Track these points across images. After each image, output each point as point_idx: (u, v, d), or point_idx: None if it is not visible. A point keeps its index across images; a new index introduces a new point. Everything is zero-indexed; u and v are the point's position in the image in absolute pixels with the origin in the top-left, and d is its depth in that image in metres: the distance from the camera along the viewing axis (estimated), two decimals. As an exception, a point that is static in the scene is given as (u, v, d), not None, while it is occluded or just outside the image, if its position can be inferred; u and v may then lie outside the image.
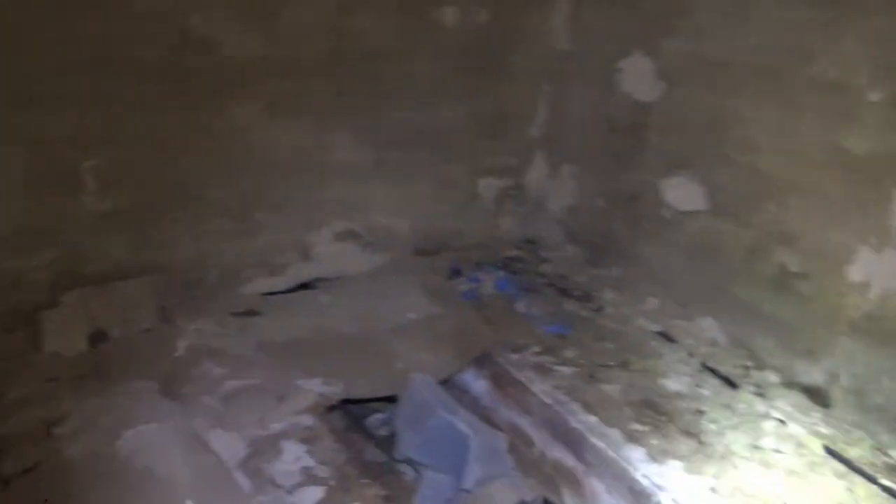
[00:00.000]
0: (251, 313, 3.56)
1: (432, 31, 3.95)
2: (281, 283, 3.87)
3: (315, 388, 3.04)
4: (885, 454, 3.00)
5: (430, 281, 4.00)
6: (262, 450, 2.74)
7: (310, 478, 2.65)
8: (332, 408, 3.10)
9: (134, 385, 2.90)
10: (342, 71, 3.73)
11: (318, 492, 2.59)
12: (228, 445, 2.71)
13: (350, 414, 3.38)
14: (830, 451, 2.99)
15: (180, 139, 3.39)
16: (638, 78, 3.94)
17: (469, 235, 4.45)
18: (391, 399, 3.30)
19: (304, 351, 3.27)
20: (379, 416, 3.47)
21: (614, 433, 2.95)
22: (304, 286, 3.91)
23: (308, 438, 2.82)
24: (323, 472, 2.69)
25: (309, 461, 2.73)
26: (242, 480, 2.59)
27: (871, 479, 2.87)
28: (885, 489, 2.82)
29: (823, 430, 3.12)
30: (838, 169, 3.07)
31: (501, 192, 4.52)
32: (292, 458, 2.73)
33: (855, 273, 3.09)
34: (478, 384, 3.55)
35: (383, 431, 3.41)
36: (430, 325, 3.60)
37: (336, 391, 3.07)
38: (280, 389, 3.00)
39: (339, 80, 3.73)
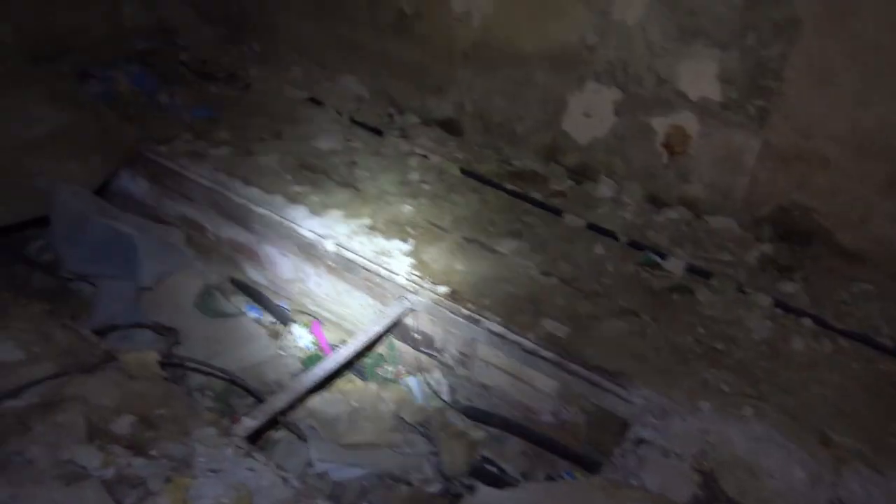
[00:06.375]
0: None
1: None
2: None
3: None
4: (509, 164, 3.31)
5: (55, 88, 3.46)
6: None
7: (-46, 316, 2.37)
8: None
9: None
10: None
11: (-35, 328, 2.34)
12: None
13: (5, 247, 3.12)
14: (465, 172, 3.23)
15: None
16: None
17: (91, 31, 3.92)
18: (47, 221, 3.00)
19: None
20: (40, 242, 3.20)
21: (276, 199, 2.96)
22: None
23: (-56, 280, 2.51)
24: (-30, 308, 2.42)
25: (-50, 299, 2.43)
26: None
27: (499, 187, 3.16)
28: (510, 192, 3.12)
29: (459, 155, 3.35)
30: None
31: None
32: (-73, 301, 2.43)
33: (458, 4, 3.16)
34: (137, 184, 3.37)
35: (48, 256, 3.15)
36: (66, 134, 3.19)
37: (-33, 224, 2.74)
38: None
39: None
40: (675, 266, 2.77)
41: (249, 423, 2.12)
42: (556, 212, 2.98)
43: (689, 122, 2.82)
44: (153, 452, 1.94)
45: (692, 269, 2.74)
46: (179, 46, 4.09)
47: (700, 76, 2.72)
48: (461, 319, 2.52)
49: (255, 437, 2.20)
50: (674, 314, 2.59)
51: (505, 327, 2.45)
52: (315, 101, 3.63)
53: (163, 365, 2.35)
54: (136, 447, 1.95)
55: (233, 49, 4.01)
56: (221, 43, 4.06)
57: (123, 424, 2.01)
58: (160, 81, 3.68)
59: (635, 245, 2.84)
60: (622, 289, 2.66)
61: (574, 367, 2.36)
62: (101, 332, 2.55)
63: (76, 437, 1.95)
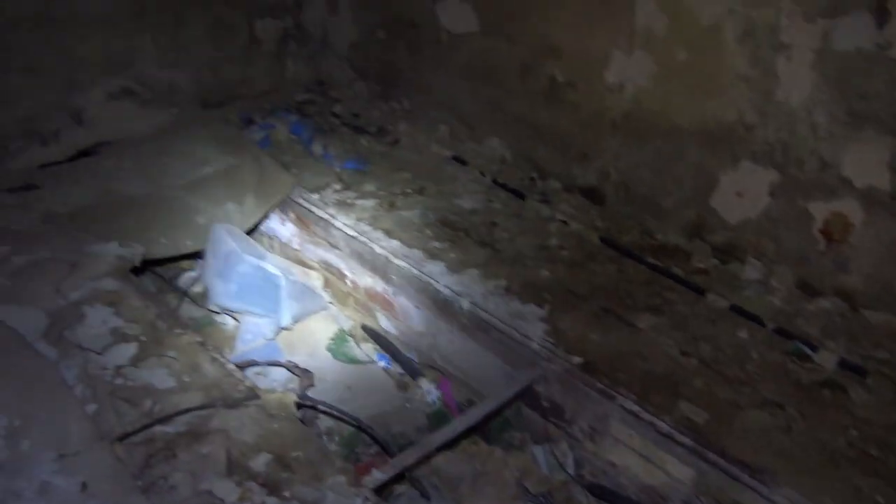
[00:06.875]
0: (29, 187, 3.26)
1: None
2: (57, 152, 3.52)
3: (112, 251, 2.89)
4: (651, 237, 3.22)
5: (221, 133, 3.80)
6: (64, 318, 2.57)
7: (120, 336, 2.51)
8: (137, 270, 2.96)
9: None
10: None
11: (130, 348, 2.46)
12: (25, 319, 2.55)
13: (161, 276, 3.32)
14: (605, 241, 3.18)
15: None
16: None
17: (256, 82, 4.24)
18: (201, 255, 3.22)
19: (95, 218, 3.08)
20: (191, 273, 3.40)
21: (416, 253, 3.03)
22: (84, 153, 3.58)
23: (113, 301, 2.67)
24: (133, 329, 2.55)
25: (117, 322, 2.57)
26: (46, 350, 2.44)
27: (640, 259, 3.08)
28: (650, 265, 3.05)
29: (600, 224, 3.30)
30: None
31: (282, 34, 4.29)
32: (98, 321, 2.58)
33: (611, 76, 3.16)
34: (285, 228, 3.56)
35: (198, 288, 3.33)
36: (227, 176, 3.45)
37: (136, 252, 2.93)
38: (73, 258, 2.83)
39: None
40: (826, 359, 2.60)
41: (379, 476, 2.14)
42: (699, 290, 2.88)
43: (852, 209, 2.66)
44: (286, 494, 1.99)
45: (845, 365, 2.56)
46: (334, 99, 4.31)
47: (868, 163, 2.58)
48: (594, 392, 2.46)
49: (381, 490, 2.22)
50: (823, 411, 2.42)
51: (640, 406, 2.36)
52: (459, 160, 3.72)
53: (298, 406, 2.42)
54: (271, 486, 2.01)
55: (384, 105, 4.18)
56: (373, 98, 4.24)
57: (261, 462, 2.07)
58: (315, 132, 3.89)
59: (783, 333, 2.69)
60: (767, 378, 2.52)
61: (712, 456, 2.23)
62: (241, 367, 2.65)
63: (217, 470, 2.02)
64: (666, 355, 2.60)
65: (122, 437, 2.06)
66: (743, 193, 2.93)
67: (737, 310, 2.82)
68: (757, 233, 2.94)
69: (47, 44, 3.37)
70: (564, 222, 3.29)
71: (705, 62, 2.87)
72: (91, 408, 2.19)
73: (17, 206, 3.09)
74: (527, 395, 2.68)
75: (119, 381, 2.32)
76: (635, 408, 2.37)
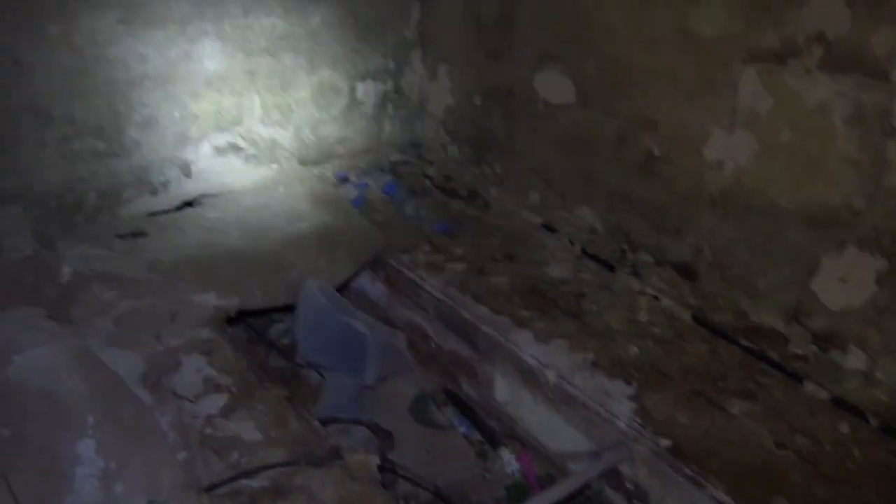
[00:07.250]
0: (137, 234, 3.43)
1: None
2: (165, 201, 3.72)
3: (210, 301, 3.00)
4: (745, 318, 3.10)
5: (317, 190, 3.94)
6: (162, 364, 2.67)
7: (212, 386, 2.60)
8: (231, 321, 3.04)
9: (19, 312, 2.78)
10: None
11: (221, 398, 2.54)
12: (126, 363, 2.64)
13: (251, 327, 3.40)
14: (697, 320, 3.09)
15: (34, 56, 3.23)
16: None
17: (353, 142, 4.38)
18: (291, 309, 3.26)
19: (196, 268, 3.21)
20: (280, 326, 3.49)
21: (503, 321, 3.01)
22: (189, 204, 3.76)
23: (208, 350, 2.76)
24: (225, 380, 2.64)
25: (210, 371, 2.66)
26: (143, 394, 2.53)
27: (733, 341, 2.98)
28: (744, 348, 2.93)
29: (692, 301, 3.21)
30: (690, 53, 3.11)
31: (382, 96, 4.46)
32: (193, 369, 2.67)
33: (710, 153, 3.12)
34: (374, 287, 3.61)
35: (286, 340, 3.42)
36: (321, 233, 3.54)
37: (232, 303, 3.02)
38: (174, 306, 2.95)
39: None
40: (936, 463, 2.45)
41: (458, 551, 2.11)
42: (797, 377, 2.75)
43: (967, 304, 2.54)
44: (365, 561, 1.98)
45: (957, 470, 2.40)
46: (427, 162, 4.43)
47: None
48: (682, 479, 2.36)
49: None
50: (932, 518, 2.28)
51: (731, 497, 2.25)
52: (548, 228, 3.72)
53: (379, 468, 2.42)
54: (351, 552, 2.01)
55: (476, 169, 4.26)
56: (466, 162, 4.32)
57: (341, 526, 2.08)
58: (407, 193, 3.97)
59: (889, 431, 2.54)
60: (870, 478, 2.37)
61: (810, 559, 2.12)
62: (323, 422, 2.67)
63: (298, 530, 2.04)
64: (760, 445, 2.48)
65: (210, 488, 2.10)
66: (847, 279, 2.81)
67: (838, 402, 2.67)
68: (861, 321, 2.80)
69: (165, 101, 3.57)
70: (655, 297, 3.22)
71: (810, 144, 2.80)
72: (182, 456, 2.24)
73: (125, 253, 3.24)
74: (610, 475, 2.60)
75: (209, 430, 2.37)
76: (726, 499, 2.25)
